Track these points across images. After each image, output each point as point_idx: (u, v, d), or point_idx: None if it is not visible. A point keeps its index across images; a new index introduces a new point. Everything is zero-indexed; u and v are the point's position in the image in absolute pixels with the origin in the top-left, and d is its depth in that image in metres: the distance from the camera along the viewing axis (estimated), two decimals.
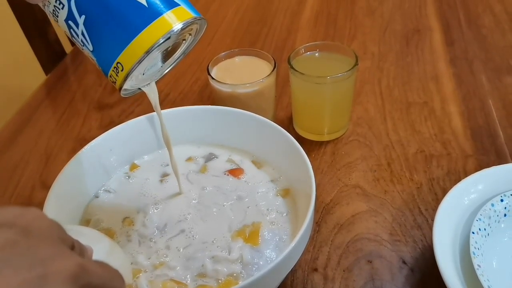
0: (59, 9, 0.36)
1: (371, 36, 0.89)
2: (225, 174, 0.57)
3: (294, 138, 0.53)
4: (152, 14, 0.36)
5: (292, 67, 0.62)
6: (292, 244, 0.41)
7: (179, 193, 0.54)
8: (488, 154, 0.64)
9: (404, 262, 0.52)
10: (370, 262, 0.52)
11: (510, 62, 0.79)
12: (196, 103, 0.67)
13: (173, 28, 0.37)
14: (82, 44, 0.37)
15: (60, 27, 0.38)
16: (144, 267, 0.47)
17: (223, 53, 0.67)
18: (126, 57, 0.36)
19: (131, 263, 0.47)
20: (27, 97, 0.82)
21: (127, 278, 0.40)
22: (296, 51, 0.65)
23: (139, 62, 0.36)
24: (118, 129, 0.56)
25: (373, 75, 0.79)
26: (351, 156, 0.65)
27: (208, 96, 0.77)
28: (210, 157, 0.59)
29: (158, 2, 0.37)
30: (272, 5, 1.01)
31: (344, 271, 0.52)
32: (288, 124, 0.70)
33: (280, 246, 0.48)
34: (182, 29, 0.37)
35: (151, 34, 0.36)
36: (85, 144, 0.54)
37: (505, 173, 0.53)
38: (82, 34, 0.36)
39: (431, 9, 0.95)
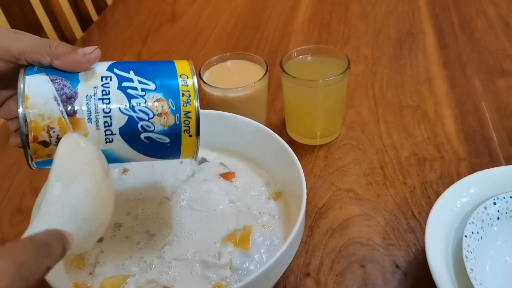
0: (107, 84, 0.38)
1: (364, 40, 0.89)
2: (216, 177, 0.56)
3: (287, 142, 0.52)
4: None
5: (284, 71, 0.62)
6: (283, 249, 0.41)
7: (170, 198, 0.54)
8: (482, 157, 0.63)
9: (397, 267, 0.52)
10: (363, 266, 0.52)
11: (503, 65, 0.79)
12: None
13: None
14: (142, 94, 0.39)
15: (111, 113, 0.38)
16: (133, 272, 0.46)
17: (215, 57, 0.67)
18: (181, 67, 0.41)
19: (123, 267, 0.47)
20: None
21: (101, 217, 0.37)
22: (289, 54, 0.65)
23: (191, 64, 0.42)
24: None
25: (366, 78, 0.79)
26: (344, 160, 0.65)
27: (200, 101, 0.76)
28: (202, 161, 0.59)
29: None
30: (266, 10, 1.01)
31: (336, 276, 0.51)
32: (281, 128, 0.70)
33: (271, 250, 0.47)
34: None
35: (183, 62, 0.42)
36: None
37: (498, 176, 0.53)
38: (140, 82, 0.39)
39: (424, 12, 0.95)
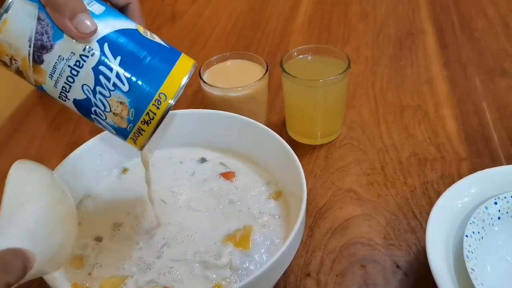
0: (86, 57, 0.36)
1: (364, 40, 0.88)
2: (217, 177, 0.56)
3: (287, 142, 0.52)
4: (176, 51, 0.40)
5: (284, 71, 0.61)
6: (283, 248, 0.41)
7: (169, 197, 0.54)
8: (482, 157, 0.63)
9: (398, 267, 0.51)
10: (364, 266, 0.52)
11: (504, 65, 0.79)
12: (188, 107, 0.66)
13: (195, 63, 0.40)
14: (111, 89, 0.37)
15: (72, 84, 0.37)
16: (132, 272, 0.46)
17: (215, 57, 0.67)
18: (169, 85, 0.37)
19: (122, 267, 0.46)
20: (19, 102, 0.81)
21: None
22: (289, 54, 0.65)
23: (182, 88, 0.38)
24: (108, 134, 0.56)
25: (366, 78, 0.79)
26: (345, 160, 0.65)
27: (200, 101, 0.76)
28: (202, 160, 0.58)
29: (173, 47, 0.41)
30: (266, 10, 1.00)
31: (337, 276, 0.51)
32: (281, 128, 0.70)
33: (271, 250, 0.47)
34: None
35: (184, 65, 0.39)
36: (76, 149, 0.54)
37: (498, 176, 0.53)
38: (117, 76, 0.36)
39: (425, 12, 0.95)
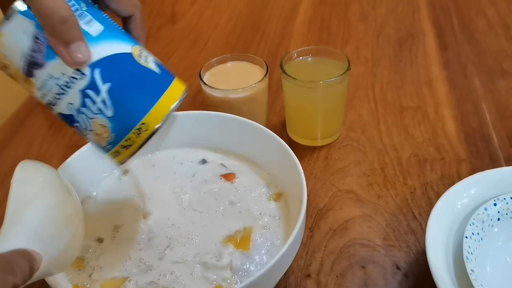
0: (76, 79, 0.36)
1: (364, 41, 0.89)
2: (217, 178, 0.56)
3: (287, 143, 0.52)
4: (168, 77, 0.40)
5: (284, 72, 0.62)
6: (283, 250, 0.41)
7: (170, 198, 0.54)
8: (482, 158, 0.63)
9: (397, 268, 0.52)
10: (364, 267, 0.52)
11: (503, 66, 0.79)
12: (188, 108, 0.67)
13: (186, 89, 0.41)
14: (95, 112, 0.37)
15: (59, 101, 0.38)
16: (133, 273, 0.46)
17: (215, 58, 0.67)
18: (152, 117, 0.38)
19: (123, 268, 0.46)
20: (20, 103, 0.81)
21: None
22: (289, 56, 0.65)
23: (165, 120, 0.38)
24: None
25: (366, 79, 0.79)
26: (345, 161, 0.65)
27: (201, 102, 0.76)
28: (202, 162, 0.59)
29: (167, 70, 0.41)
30: (265, 11, 1.01)
31: (337, 277, 0.51)
32: (281, 129, 0.70)
33: (272, 251, 0.47)
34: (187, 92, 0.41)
35: (173, 92, 0.39)
36: (76, 151, 0.54)
37: (498, 177, 0.53)
38: (103, 101, 0.37)
39: (424, 13, 0.95)
